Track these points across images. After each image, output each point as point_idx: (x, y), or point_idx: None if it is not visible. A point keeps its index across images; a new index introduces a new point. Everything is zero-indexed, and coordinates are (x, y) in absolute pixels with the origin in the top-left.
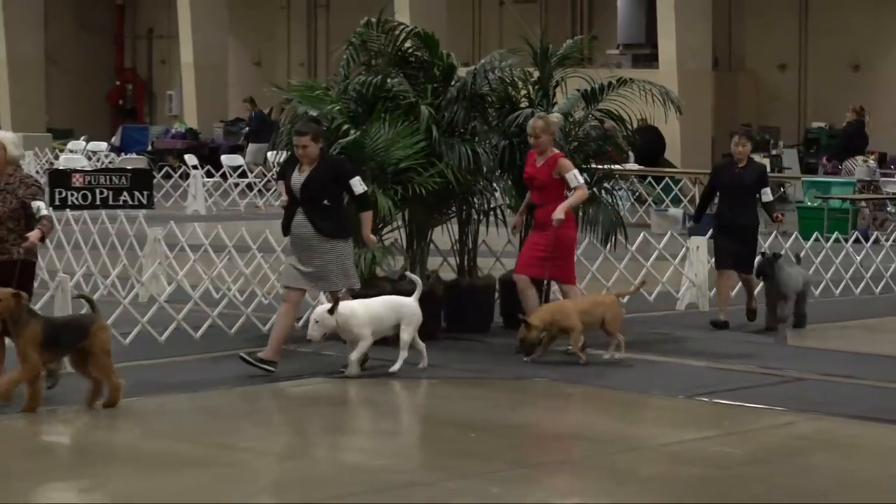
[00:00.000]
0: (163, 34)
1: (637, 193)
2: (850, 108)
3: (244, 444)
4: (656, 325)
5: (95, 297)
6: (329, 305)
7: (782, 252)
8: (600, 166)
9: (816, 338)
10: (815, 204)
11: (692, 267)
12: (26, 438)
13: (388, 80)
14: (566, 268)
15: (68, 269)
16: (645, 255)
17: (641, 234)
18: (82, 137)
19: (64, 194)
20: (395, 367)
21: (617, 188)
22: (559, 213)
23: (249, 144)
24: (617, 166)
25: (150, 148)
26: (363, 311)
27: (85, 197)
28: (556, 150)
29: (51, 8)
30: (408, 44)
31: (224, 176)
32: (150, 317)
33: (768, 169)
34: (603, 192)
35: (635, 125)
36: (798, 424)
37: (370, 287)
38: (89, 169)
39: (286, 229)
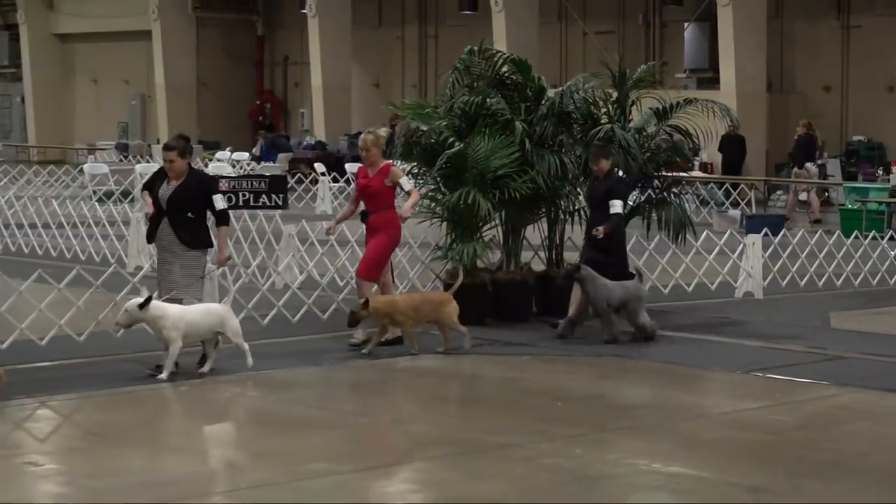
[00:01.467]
0: (297, 61)
1: (701, 197)
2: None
3: (363, 409)
4: (717, 310)
5: (238, 284)
6: (142, 300)
7: (579, 264)
8: (669, 174)
9: (856, 322)
10: (855, 206)
11: (748, 260)
12: (196, 405)
13: (488, 100)
14: (375, 267)
15: (215, 260)
16: (707, 250)
17: (704, 233)
18: (228, 148)
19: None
20: (205, 368)
21: (683, 192)
22: (406, 213)
23: None
24: (683, 174)
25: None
26: (174, 316)
27: (230, 199)
28: (386, 161)
29: (202, 40)
30: (505, 68)
31: (347, 181)
32: (284, 301)
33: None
34: (672, 195)
35: (702, 138)
36: (840, 396)
37: (472, 277)
38: (234, 175)
39: (150, 238)
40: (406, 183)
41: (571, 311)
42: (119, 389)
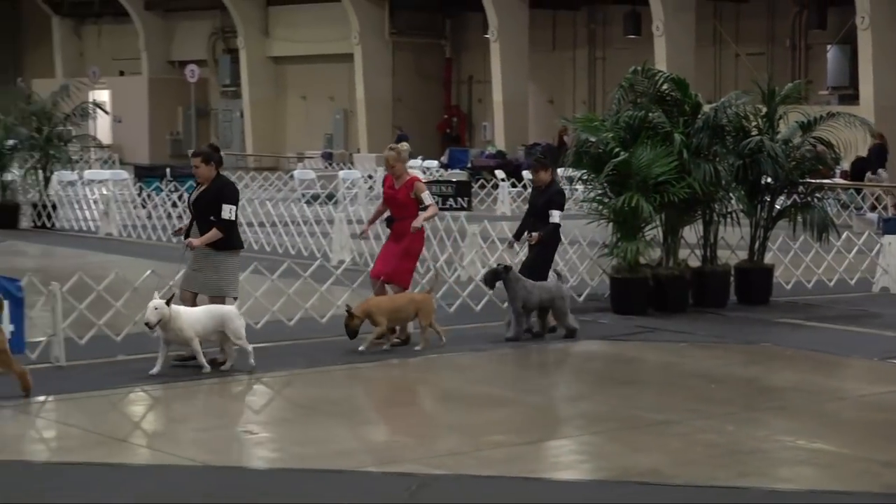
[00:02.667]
0: (480, 80)
1: (842, 201)
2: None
3: (538, 388)
4: (856, 303)
5: (426, 278)
6: (165, 299)
7: (509, 265)
8: (813, 180)
9: None
10: None
11: (885, 259)
12: (391, 383)
13: (650, 114)
14: (404, 273)
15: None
16: (847, 249)
17: (845, 234)
18: (419, 157)
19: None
20: (227, 366)
21: (826, 197)
22: (418, 223)
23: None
24: (826, 180)
25: (469, 165)
26: (186, 315)
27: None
28: (411, 175)
29: (397, 61)
30: (665, 86)
31: (525, 186)
32: (468, 292)
33: None
34: (815, 200)
35: (843, 148)
36: None
37: (634, 272)
38: (424, 180)
39: (186, 237)
40: (427, 198)
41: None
42: (322, 368)
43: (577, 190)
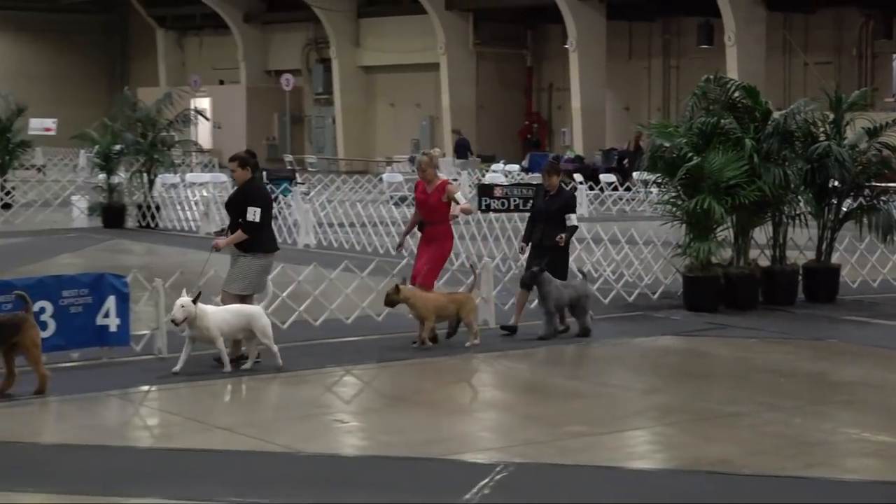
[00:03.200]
0: (559, 87)
1: None
2: None
3: (614, 381)
4: None
5: (510, 274)
6: (192, 297)
7: (544, 266)
8: (879, 184)
9: None
10: None
11: None
12: (473, 375)
13: (722, 121)
14: (431, 275)
15: (490, 254)
16: None
17: None
18: (501, 161)
19: (488, 201)
20: (248, 364)
21: (891, 200)
22: (457, 211)
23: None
24: (891, 184)
25: None
26: (212, 315)
27: (503, 203)
28: (442, 179)
29: (480, 70)
30: (736, 94)
31: (601, 189)
32: None
33: None
34: (881, 202)
35: None
36: None
37: (706, 271)
38: (506, 183)
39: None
40: (461, 198)
41: (522, 312)
42: (409, 361)
43: (651, 192)
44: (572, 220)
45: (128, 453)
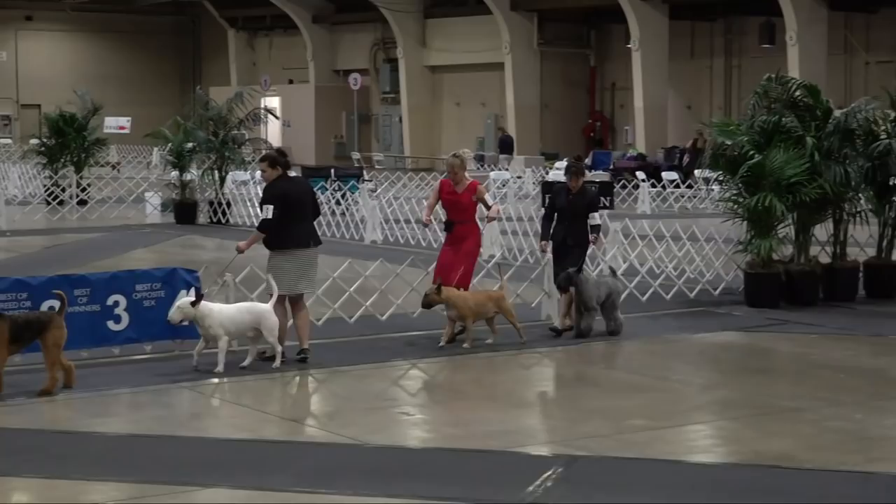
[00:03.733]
0: (622, 86)
1: None
2: None
3: (675, 376)
4: None
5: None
6: (193, 299)
7: (581, 267)
8: None
9: None
10: None
11: None
12: (538, 370)
13: (783, 119)
14: (467, 275)
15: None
16: None
17: None
18: (565, 159)
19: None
20: (245, 363)
21: None
22: (494, 213)
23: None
24: None
25: (611, 166)
26: (217, 313)
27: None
28: (472, 179)
29: (544, 69)
30: (797, 93)
31: (663, 186)
32: None
33: None
34: None
35: None
36: None
37: (767, 268)
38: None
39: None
40: (489, 199)
41: (567, 315)
42: (470, 355)
43: (713, 190)
44: (595, 218)
45: (198, 444)
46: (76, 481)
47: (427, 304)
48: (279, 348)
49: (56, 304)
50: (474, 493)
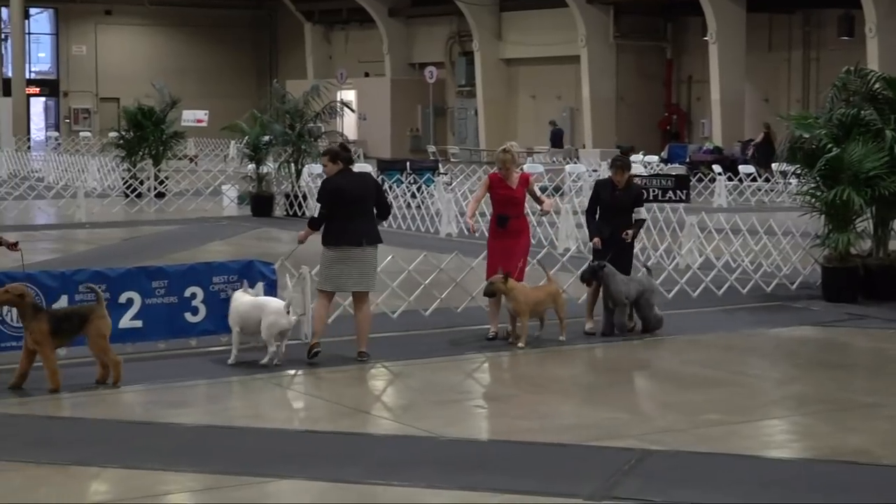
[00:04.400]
0: (698, 79)
1: None
2: None
3: (751, 371)
4: None
5: (649, 263)
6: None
7: (606, 262)
8: None
9: None
10: None
11: None
12: (614, 363)
13: (862, 112)
14: (522, 271)
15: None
16: None
17: None
18: (640, 152)
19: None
20: (264, 360)
21: None
22: (549, 207)
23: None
24: None
25: (688, 160)
26: (232, 308)
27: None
28: (522, 172)
29: (620, 62)
30: (877, 85)
31: (740, 180)
32: (686, 279)
33: None
34: None
35: None
36: None
37: (845, 262)
38: (645, 174)
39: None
40: (538, 190)
41: (591, 316)
42: (545, 349)
43: (790, 183)
44: (641, 213)
45: (274, 435)
46: (153, 472)
47: (491, 292)
48: (271, 348)
49: (134, 296)
50: (548, 486)
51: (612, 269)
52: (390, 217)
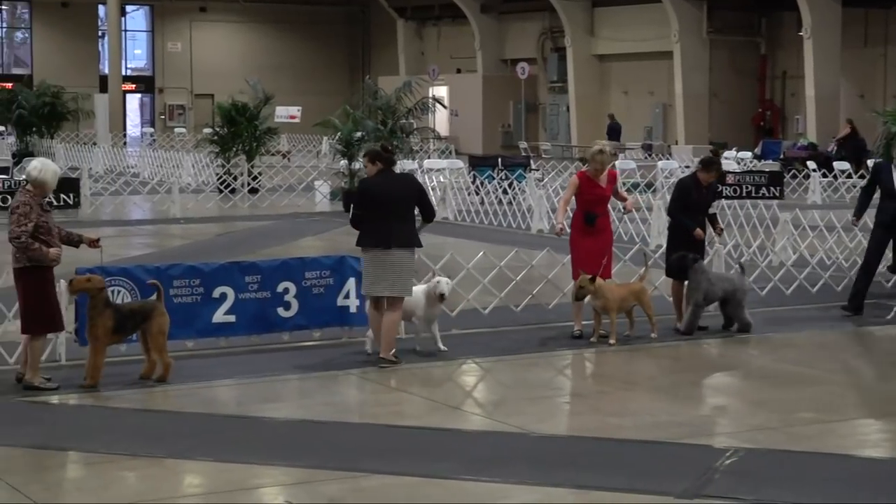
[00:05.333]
0: (793, 75)
1: None
2: None
3: (844, 368)
4: None
5: (742, 260)
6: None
7: (699, 256)
8: None
9: None
10: None
11: None
12: (704, 362)
13: None
14: (608, 267)
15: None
16: None
17: None
18: (734, 148)
19: (720, 188)
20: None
21: None
22: (631, 206)
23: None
24: None
25: (781, 156)
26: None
27: (735, 190)
28: (610, 170)
29: (713, 58)
30: None
31: (835, 176)
32: (779, 276)
33: None
34: None
35: None
36: None
37: None
38: (738, 171)
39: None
40: (621, 187)
41: (679, 314)
42: (637, 346)
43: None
44: (714, 207)
45: (366, 430)
46: (247, 465)
47: (581, 296)
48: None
49: (228, 290)
50: (639, 484)
51: (703, 265)
52: (481, 213)
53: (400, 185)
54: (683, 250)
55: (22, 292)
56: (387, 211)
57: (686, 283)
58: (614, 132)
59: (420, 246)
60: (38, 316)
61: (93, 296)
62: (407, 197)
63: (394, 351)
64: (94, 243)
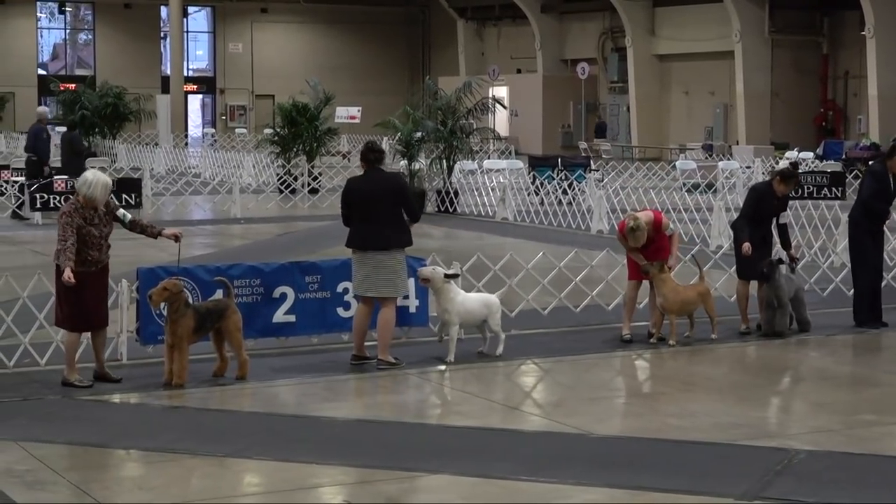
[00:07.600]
0: (855, 75)
1: None
2: None
3: None
4: None
5: (802, 262)
6: (451, 271)
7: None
8: None
9: None
10: None
11: None
12: (764, 363)
13: None
14: (672, 267)
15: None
16: None
17: None
18: (795, 148)
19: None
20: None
21: None
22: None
23: None
24: None
25: (843, 157)
26: (459, 300)
27: (797, 191)
28: (649, 214)
29: (775, 58)
30: None
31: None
32: (841, 277)
33: None
34: None
35: None
36: None
37: None
38: (800, 171)
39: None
40: (668, 227)
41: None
42: (696, 346)
43: None
44: (785, 217)
45: (424, 430)
46: (305, 464)
47: (645, 271)
48: (502, 336)
49: (288, 290)
50: (698, 485)
51: (779, 266)
52: (541, 213)
53: (380, 186)
54: (756, 253)
55: (56, 286)
56: (365, 211)
57: (760, 284)
58: (601, 130)
59: (407, 245)
60: (64, 313)
61: (175, 301)
62: (384, 198)
63: (394, 358)
64: (175, 238)
